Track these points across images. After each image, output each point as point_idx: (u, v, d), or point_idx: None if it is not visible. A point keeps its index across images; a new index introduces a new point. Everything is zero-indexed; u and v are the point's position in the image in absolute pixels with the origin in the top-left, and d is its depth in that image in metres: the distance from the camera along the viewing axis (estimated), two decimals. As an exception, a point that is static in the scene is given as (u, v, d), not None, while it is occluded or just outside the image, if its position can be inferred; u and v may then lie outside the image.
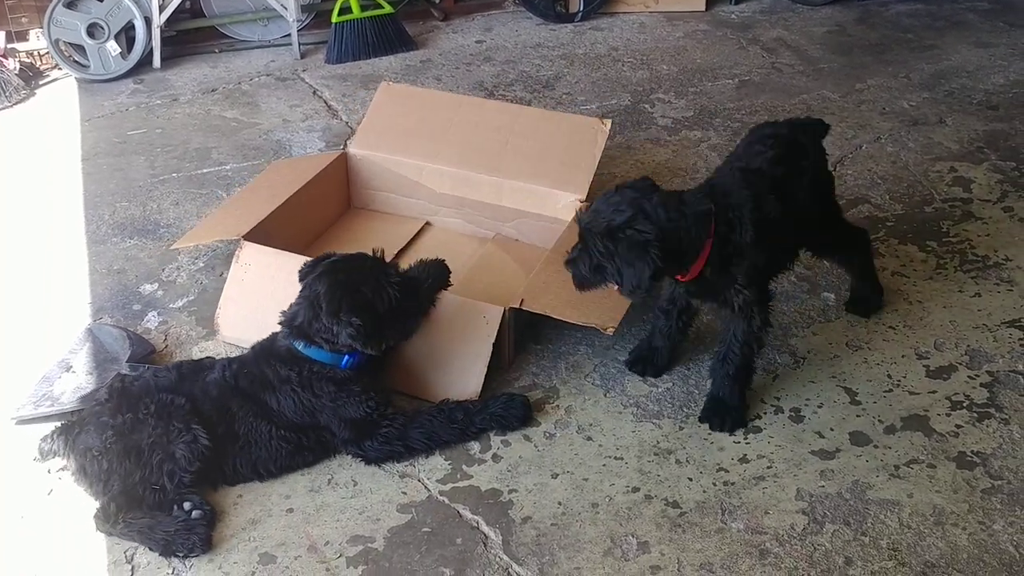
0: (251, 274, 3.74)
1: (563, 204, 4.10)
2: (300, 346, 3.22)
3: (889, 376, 3.58)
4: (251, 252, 3.76)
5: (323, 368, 3.22)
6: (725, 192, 3.15)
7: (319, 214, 4.33)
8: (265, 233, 3.87)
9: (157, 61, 6.19)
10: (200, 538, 2.95)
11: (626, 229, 2.94)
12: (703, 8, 7.05)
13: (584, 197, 4.05)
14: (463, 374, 3.47)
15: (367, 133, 4.53)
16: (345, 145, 4.72)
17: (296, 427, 3.22)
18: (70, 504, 3.11)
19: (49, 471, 3.22)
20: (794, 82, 5.93)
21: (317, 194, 4.22)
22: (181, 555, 2.94)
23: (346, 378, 3.23)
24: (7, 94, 5.77)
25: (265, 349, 3.31)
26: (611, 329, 3.41)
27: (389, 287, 3.20)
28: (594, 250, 3.01)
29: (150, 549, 2.95)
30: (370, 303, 3.16)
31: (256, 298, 3.69)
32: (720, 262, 3.11)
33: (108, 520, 2.97)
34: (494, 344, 3.48)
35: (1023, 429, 3.33)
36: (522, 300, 3.51)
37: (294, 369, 3.21)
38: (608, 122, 4.21)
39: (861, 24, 6.84)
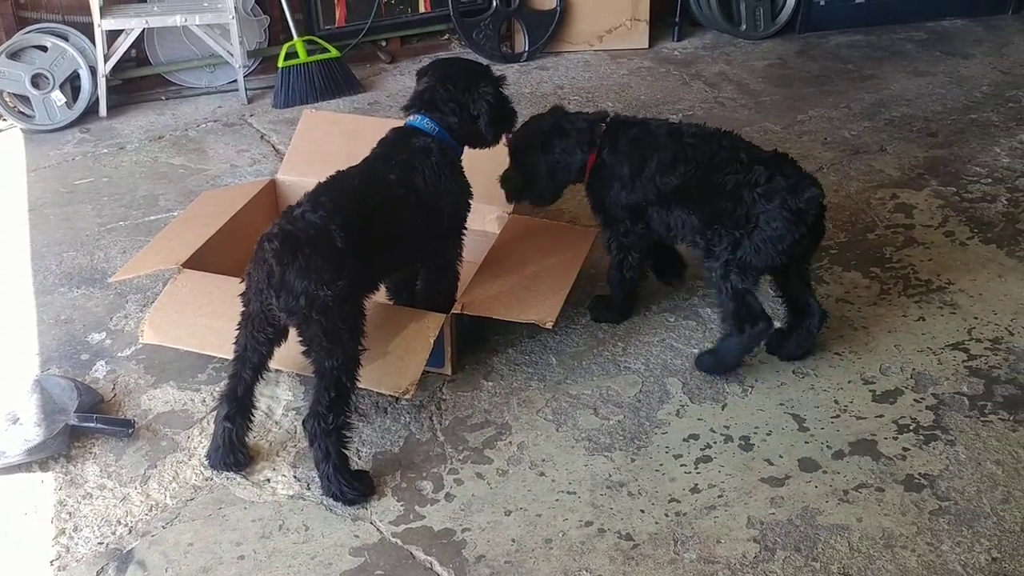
0: (185, 291, 3.77)
1: (490, 218, 4.19)
2: (426, 124, 3.45)
3: (836, 402, 3.63)
4: (188, 276, 3.80)
5: (449, 148, 3.45)
6: None
7: (252, 241, 4.31)
8: (201, 261, 3.90)
9: (103, 110, 6.17)
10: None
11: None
12: (646, 45, 7.14)
13: (511, 210, 4.21)
14: (399, 367, 3.48)
15: (294, 160, 4.58)
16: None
17: (429, 209, 3.40)
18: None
19: (26, 513, 3.18)
20: (736, 115, 6.02)
21: (249, 221, 4.22)
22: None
23: (461, 168, 3.52)
24: (-49, 146, 5.73)
25: (393, 141, 3.50)
26: (550, 323, 3.57)
27: (500, 82, 3.53)
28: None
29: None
30: (496, 84, 3.50)
31: (188, 309, 3.70)
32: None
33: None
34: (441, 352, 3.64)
35: (968, 450, 3.39)
36: (463, 306, 3.65)
37: (431, 145, 3.41)
38: None
39: (801, 56, 6.97)
